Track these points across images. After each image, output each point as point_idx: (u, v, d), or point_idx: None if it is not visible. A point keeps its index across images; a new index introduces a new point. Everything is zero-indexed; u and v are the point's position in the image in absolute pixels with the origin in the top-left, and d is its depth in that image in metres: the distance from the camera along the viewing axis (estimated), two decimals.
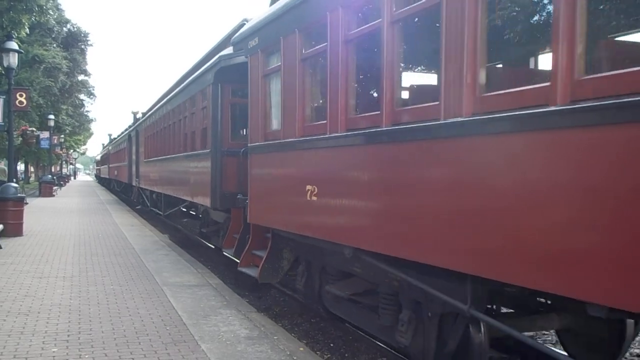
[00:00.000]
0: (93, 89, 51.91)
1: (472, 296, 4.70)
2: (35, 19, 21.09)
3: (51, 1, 26.32)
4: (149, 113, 23.16)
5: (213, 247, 12.08)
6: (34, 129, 30.94)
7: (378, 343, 7.10)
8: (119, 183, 38.11)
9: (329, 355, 7.08)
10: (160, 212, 19.22)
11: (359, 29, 5.78)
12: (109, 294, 8.61)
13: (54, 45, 34.38)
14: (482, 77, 4.16)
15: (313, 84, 6.97)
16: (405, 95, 6.00)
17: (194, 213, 16.59)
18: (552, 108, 3.50)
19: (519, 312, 6.07)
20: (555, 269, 3.51)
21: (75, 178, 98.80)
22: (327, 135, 6.21)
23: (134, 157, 26.17)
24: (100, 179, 72.17)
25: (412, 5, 4.96)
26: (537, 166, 3.62)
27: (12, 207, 15.18)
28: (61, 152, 59.00)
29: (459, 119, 4.24)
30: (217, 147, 11.04)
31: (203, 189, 11.70)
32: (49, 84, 30.41)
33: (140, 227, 19.01)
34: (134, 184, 26.05)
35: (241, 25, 10.31)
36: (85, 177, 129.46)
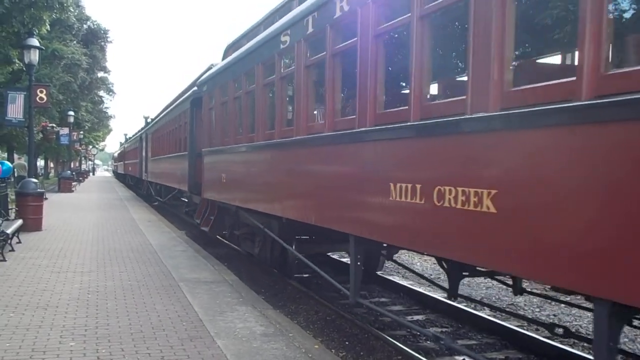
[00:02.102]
0: (112, 86, 52.45)
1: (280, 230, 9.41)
2: (56, 16, 21.28)
3: None
4: (155, 120, 29.48)
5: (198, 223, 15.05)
6: (54, 125, 31.25)
7: (394, 342, 7.08)
8: (133, 178, 43.46)
9: (344, 353, 7.07)
10: (160, 199, 25.32)
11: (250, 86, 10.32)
12: (126, 289, 8.67)
13: (74, 42, 34.71)
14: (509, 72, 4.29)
15: (232, 116, 11.63)
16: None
17: (185, 200, 21.01)
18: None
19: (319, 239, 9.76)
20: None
21: (94, 174, 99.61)
22: (232, 146, 11.33)
23: (144, 155, 32.06)
24: (117, 175, 74.22)
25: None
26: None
27: (32, 202, 15.34)
28: (80, 148, 59.55)
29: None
30: (192, 151, 15.98)
31: (183, 179, 16.85)
32: (68, 80, 30.68)
33: (158, 222, 19.13)
34: (143, 178, 32.11)
35: (209, 68, 14.92)
36: (103, 172, 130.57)
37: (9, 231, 11.35)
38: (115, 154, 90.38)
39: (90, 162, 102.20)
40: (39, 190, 15.79)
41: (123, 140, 76.68)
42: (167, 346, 6.06)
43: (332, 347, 7.21)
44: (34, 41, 16.64)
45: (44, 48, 19.09)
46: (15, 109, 18.27)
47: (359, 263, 6.70)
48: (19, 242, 12.85)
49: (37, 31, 18.56)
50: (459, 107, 4.67)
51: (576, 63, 3.68)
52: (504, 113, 4.19)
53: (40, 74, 26.45)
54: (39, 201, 15.70)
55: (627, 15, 5.67)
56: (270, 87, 9.43)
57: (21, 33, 18.79)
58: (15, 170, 31.36)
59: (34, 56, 16.64)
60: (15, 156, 44.28)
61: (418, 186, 5.17)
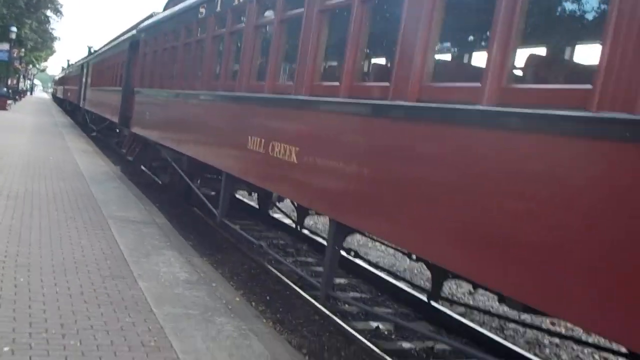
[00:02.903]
0: (60, 7, 50.09)
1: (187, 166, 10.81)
2: None
3: None
4: (98, 52, 30.95)
5: (130, 160, 16.28)
6: None
7: (313, 301, 7.28)
8: (71, 104, 43.15)
9: (263, 308, 7.22)
10: (94, 127, 25.65)
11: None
12: (52, 220, 8.54)
13: None
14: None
15: (160, 64, 13.24)
16: None
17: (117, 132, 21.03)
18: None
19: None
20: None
21: (32, 94, 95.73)
22: (158, 89, 12.92)
23: (84, 83, 32.37)
24: (56, 98, 72.46)
25: None
26: None
27: None
28: (20, 66, 57.01)
29: None
30: (126, 87, 16.93)
31: (116, 111, 18.01)
32: None
33: (93, 154, 18.72)
34: (81, 105, 32.19)
35: (150, 16, 16.39)
36: (42, 94, 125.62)
37: None
38: (57, 78, 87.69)
39: (29, 82, 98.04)
40: None
41: (66, 65, 74.57)
42: (88, 282, 6.05)
43: (252, 301, 7.34)
44: None
45: None
46: None
47: (226, 192, 8.98)
48: None
49: None
50: (289, 90, 6.72)
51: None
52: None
53: None
54: None
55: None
56: (187, 47, 11.13)
57: None
58: None
59: None
60: None
61: (262, 139, 7.15)
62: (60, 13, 51.06)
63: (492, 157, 3.84)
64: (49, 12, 47.96)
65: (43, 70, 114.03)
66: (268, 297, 7.68)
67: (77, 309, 5.30)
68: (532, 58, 4.88)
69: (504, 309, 7.27)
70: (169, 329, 5.18)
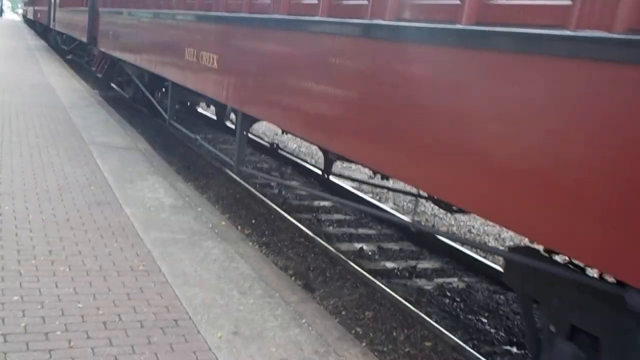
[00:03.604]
0: None
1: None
2: None
3: None
4: None
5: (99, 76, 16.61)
6: None
7: (297, 225, 7.39)
8: (41, 25, 41.57)
9: (249, 231, 7.33)
10: (65, 48, 25.09)
11: None
12: (32, 147, 8.44)
13: None
14: None
15: None
16: None
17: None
18: None
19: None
20: None
21: (1, 15, 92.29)
22: (118, 9, 13.55)
23: (52, 4, 31.10)
24: (27, 20, 70.16)
25: None
26: None
27: None
28: None
29: None
30: (92, 7, 16.58)
31: (84, 31, 17.93)
32: None
33: (69, 78, 18.32)
34: (51, 26, 31.18)
35: None
36: (12, 15, 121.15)
37: None
38: None
39: None
40: None
41: None
42: (74, 209, 6.08)
43: (238, 224, 7.43)
44: None
45: None
46: None
47: (173, 98, 10.28)
48: None
49: None
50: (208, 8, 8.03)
51: None
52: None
53: None
54: None
55: None
56: None
57: None
58: None
59: None
60: None
61: (194, 50, 8.27)
62: None
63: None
64: None
65: None
66: (253, 221, 7.77)
67: (64, 235, 5.34)
68: None
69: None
70: (157, 254, 5.26)
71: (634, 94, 2.57)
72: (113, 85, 16.39)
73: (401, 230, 7.70)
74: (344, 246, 7.06)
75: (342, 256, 6.50)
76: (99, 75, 16.51)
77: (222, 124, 13.75)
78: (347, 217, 8.28)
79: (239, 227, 7.24)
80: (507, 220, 3.40)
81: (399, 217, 7.25)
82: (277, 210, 7.97)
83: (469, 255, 6.89)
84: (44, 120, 10.51)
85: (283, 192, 9.15)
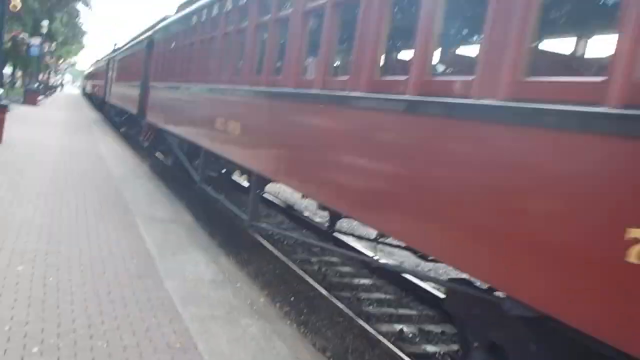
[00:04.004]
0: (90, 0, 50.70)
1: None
2: None
3: None
4: (120, 50, 33.38)
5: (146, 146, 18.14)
6: (23, 36, 30.27)
7: (337, 304, 7.27)
8: (98, 98, 44.53)
9: (288, 309, 7.23)
10: (118, 120, 27.67)
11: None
12: (81, 217, 8.66)
13: None
14: None
15: (168, 62, 15.17)
16: None
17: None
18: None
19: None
20: None
21: (62, 89, 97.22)
22: (166, 83, 14.63)
23: (108, 78, 34.17)
24: (85, 93, 74.03)
25: None
26: None
27: None
28: (51, 61, 57.91)
29: None
30: (144, 82, 18.62)
31: (135, 104, 19.98)
32: None
33: (122, 152, 18.96)
34: (106, 99, 33.97)
35: (164, 19, 18.43)
36: (72, 89, 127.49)
37: None
38: (86, 73, 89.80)
39: (59, 77, 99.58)
40: (2, 102, 15.41)
41: (94, 61, 76.58)
42: (115, 282, 6.13)
43: (277, 301, 7.36)
44: None
45: None
46: None
47: (204, 163, 11.26)
48: None
49: None
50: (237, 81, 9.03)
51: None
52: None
53: None
54: (1, 113, 15.35)
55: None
56: (180, 49, 13.76)
57: None
58: None
59: None
60: None
61: (222, 120, 9.34)
62: (90, 6, 51.69)
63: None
64: (79, 6, 48.57)
65: (73, 65, 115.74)
66: (292, 298, 7.68)
67: (104, 309, 5.38)
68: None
69: None
70: (194, 330, 5.23)
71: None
72: (157, 154, 17.41)
73: (443, 312, 7.49)
74: (384, 327, 6.89)
75: (382, 338, 6.34)
76: (145, 144, 17.87)
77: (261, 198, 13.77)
78: (388, 297, 8.12)
79: (278, 305, 7.16)
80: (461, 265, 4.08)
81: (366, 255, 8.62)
82: (316, 288, 7.89)
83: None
84: (94, 191, 10.82)
85: (323, 269, 9.08)
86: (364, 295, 8.10)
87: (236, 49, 9.39)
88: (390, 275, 8.78)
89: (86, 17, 78.25)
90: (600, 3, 6.07)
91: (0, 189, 9.67)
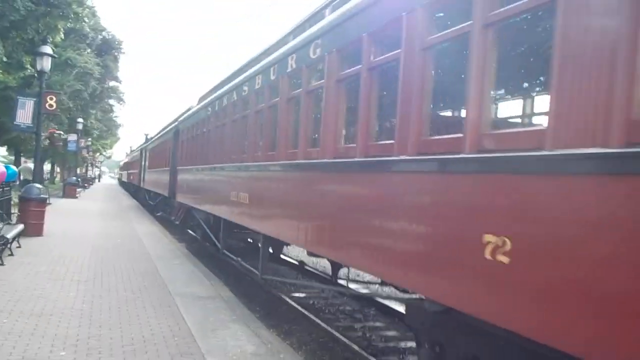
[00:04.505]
0: (123, 95, 52.74)
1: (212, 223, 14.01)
2: (70, 25, 21.55)
3: (87, 9, 26.85)
4: (151, 140, 36.36)
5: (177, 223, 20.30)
6: (61, 132, 31.47)
7: None
8: (134, 185, 47.99)
9: None
10: (152, 203, 30.23)
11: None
12: (120, 300, 8.69)
13: (88, 50, 35.04)
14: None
15: (190, 147, 17.76)
16: None
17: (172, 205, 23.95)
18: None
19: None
20: None
21: (99, 181, 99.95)
22: (190, 166, 16.94)
23: (142, 166, 37.17)
24: (122, 182, 76.21)
25: None
26: None
27: (35, 207, 15.40)
28: (87, 155, 59.86)
29: None
30: (173, 167, 20.88)
31: (166, 187, 22.19)
32: (79, 88, 30.96)
33: (159, 234, 19.18)
34: (141, 185, 36.99)
35: (188, 109, 20.50)
36: (110, 180, 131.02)
37: (9, 235, 11.39)
38: (121, 163, 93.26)
39: (97, 169, 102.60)
40: (42, 195, 15.86)
41: (129, 151, 79.75)
42: None
43: None
44: (47, 49, 16.86)
45: (56, 56, 19.35)
46: (25, 115, 18.47)
47: (224, 231, 12.71)
48: (19, 246, 12.90)
49: (51, 39, 18.80)
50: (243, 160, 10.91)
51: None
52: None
53: (51, 80, 26.70)
54: (41, 207, 15.77)
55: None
56: (197, 136, 16.31)
57: (35, 40, 19.01)
58: (20, 173, 31.57)
59: (47, 63, 16.85)
60: (22, 159, 44.54)
61: (236, 192, 10.81)
62: (123, 101, 53.73)
63: None
64: (112, 101, 50.47)
65: (109, 157, 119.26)
66: None
67: None
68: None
69: None
70: None
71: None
72: (189, 231, 18.84)
73: None
74: None
75: None
76: (177, 222, 19.84)
77: (276, 257, 14.42)
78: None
79: None
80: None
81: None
82: (361, 354, 7.68)
83: None
84: (132, 274, 10.89)
85: (367, 334, 8.87)
86: (410, 359, 7.85)
87: (234, 136, 11.83)
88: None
89: (119, 111, 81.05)
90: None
91: (42, 278, 9.80)
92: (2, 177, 14.54)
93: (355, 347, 7.95)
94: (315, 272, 13.57)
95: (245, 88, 10.95)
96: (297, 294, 11.68)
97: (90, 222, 21.17)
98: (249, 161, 10.20)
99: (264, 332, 7.80)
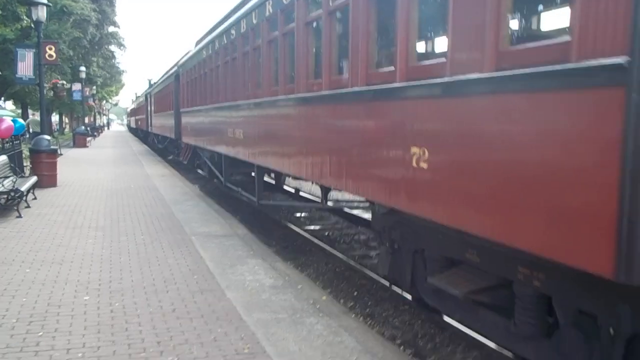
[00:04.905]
0: (123, 40, 51.87)
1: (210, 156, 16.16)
2: None
3: None
4: (155, 84, 36.89)
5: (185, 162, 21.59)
6: (64, 82, 31.25)
7: (401, 293, 7.19)
8: (142, 131, 48.96)
9: (352, 303, 7.21)
10: (160, 146, 31.92)
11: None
12: (139, 243, 8.84)
13: None
14: None
15: (191, 89, 18.25)
16: None
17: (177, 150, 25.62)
18: None
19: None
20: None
21: (108, 129, 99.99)
22: (192, 108, 17.73)
23: (149, 111, 37.95)
24: (130, 129, 76.52)
25: None
26: None
27: (46, 159, 15.52)
28: (94, 103, 59.66)
29: None
30: (176, 110, 21.92)
31: (172, 130, 23.28)
32: (78, 36, 30.54)
33: (171, 177, 19.31)
34: (149, 130, 37.92)
35: (187, 53, 20.87)
36: (118, 127, 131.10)
37: (23, 188, 11.52)
38: (128, 110, 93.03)
39: (104, 117, 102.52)
40: (52, 147, 15.95)
41: (134, 97, 79.42)
42: (179, 299, 6.22)
43: (340, 298, 7.34)
44: None
45: (51, 5, 18.98)
46: (25, 67, 18.32)
47: (226, 165, 13.92)
48: (35, 198, 13.08)
49: None
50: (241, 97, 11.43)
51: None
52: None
53: (49, 30, 26.35)
54: (52, 158, 15.88)
55: None
56: (197, 78, 16.80)
57: None
58: (30, 126, 31.61)
59: (42, 13, 16.57)
60: (30, 112, 44.53)
61: (232, 129, 11.98)
62: (124, 46, 52.92)
63: None
64: (112, 47, 49.82)
65: (116, 104, 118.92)
66: (355, 293, 7.65)
67: (171, 325, 5.45)
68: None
69: None
70: (260, 335, 5.24)
71: None
72: (199, 171, 20.06)
73: None
74: None
75: (450, 320, 6.22)
76: (185, 162, 21.24)
77: (280, 188, 16.25)
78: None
79: (342, 301, 7.14)
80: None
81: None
82: (378, 281, 7.82)
83: None
84: (149, 218, 11.04)
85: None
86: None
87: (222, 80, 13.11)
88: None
89: (122, 57, 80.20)
90: None
91: (60, 227, 9.97)
92: (10, 130, 14.58)
93: (371, 274, 8.09)
94: (309, 196, 14.97)
95: (233, 32, 12.00)
96: (312, 227, 11.81)
97: (102, 169, 21.32)
98: (241, 99, 11.23)
99: (280, 265, 7.94)
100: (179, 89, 21.49)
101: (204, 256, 8.12)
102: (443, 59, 4.56)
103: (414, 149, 4.83)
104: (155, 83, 39.11)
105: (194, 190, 15.96)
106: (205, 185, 17.75)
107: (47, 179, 15.16)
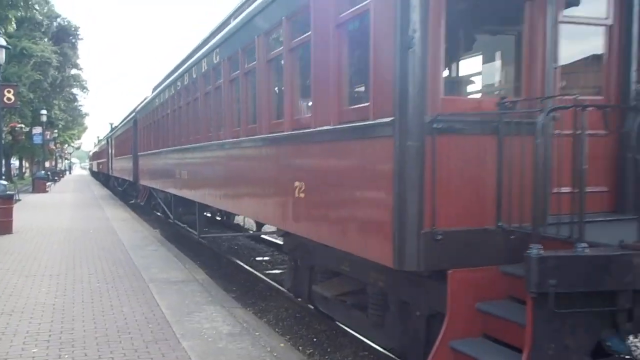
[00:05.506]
0: (85, 83, 51.73)
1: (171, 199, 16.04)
2: (21, 14, 20.97)
3: None
4: (116, 128, 37.96)
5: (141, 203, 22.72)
6: (22, 125, 30.79)
7: (362, 338, 7.12)
8: (104, 174, 49.13)
9: (311, 350, 7.10)
10: (120, 188, 32.42)
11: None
12: (94, 292, 8.61)
13: (45, 39, 34.22)
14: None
15: (145, 135, 20.42)
16: None
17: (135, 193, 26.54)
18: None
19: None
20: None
21: (70, 173, 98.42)
22: (146, 152, 19.47)
23: (110, 155, 38.95)
24: (93, 172, 75.68)
25: None
26: None
27: (1, 204, 15.14)
28: (55, 147, 58.86)
29: None
30: (135, 153, 22.85)
31: (130, 172, 24.22)
32: (38, 79, 30.28)
33: (132, 221, 19.01)
34: (110, 173, 38.88)
35: (145, 99, 22.42)
36: (81, 171, 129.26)
37: None
38: (90, 154, 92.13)
39: (66, 161, 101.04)
40: (8, 192, 15.58)
41: (96, 141, 78.87)
42: (131, 349, 6.04)
43: (299, 345, 7.24)
44: (0, 40, 16.39)
45: (10, 47, 18.83)
46: None
47: (175, 204, 15.09)
48: None
49: (3, 30, 18.31)
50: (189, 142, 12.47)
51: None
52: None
53: (8, 72, 26.10)
54: (8, 203, 15.50)
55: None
56: (149, 125, 18.82)
57: None
58: None
59: (0, 55, 16.40)
60: None
61: (179, 171, 13.30)
62: (86, 89, 52.68)
63: None
64: (75, 90, 49.51)
65: (78, 148, 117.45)
66: (315, 339, 7.55)
67: None
68: None
69: None
70: None
71: None
72: (154, 211, 20.61)
73: None
74: None
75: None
76: (142, 203, 22.29)
77: (229, 223, 17.29)
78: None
79: (300, 348, 7.03)
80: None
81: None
82: (338, 326, 7.74)
83: None
84: (106, 264, 10.79)
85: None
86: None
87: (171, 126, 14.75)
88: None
89: (85, 100, 79.65)
90: None
91: (13, 276, 9.67)
92: None
93: (330, 321, 8.01)
94: (250, 231, 16.23)
95: (178, 84, 13.63)
96: (273, 271, 11.70)
97: (61, 215, 20.88)
98: (180, 144, 12.95)
99: (240, 312, 7.81)
100: (136, 133, 23.00)
101: (161, 304, 7.94)
102: (309, 114, 6.14)
103: (297, 183, 6.28)
104: (116, 127, 39.93)
105: (154, 234, 15.72)
106: (167, 229, 17.50)
107: (1, 225, 14.78)
